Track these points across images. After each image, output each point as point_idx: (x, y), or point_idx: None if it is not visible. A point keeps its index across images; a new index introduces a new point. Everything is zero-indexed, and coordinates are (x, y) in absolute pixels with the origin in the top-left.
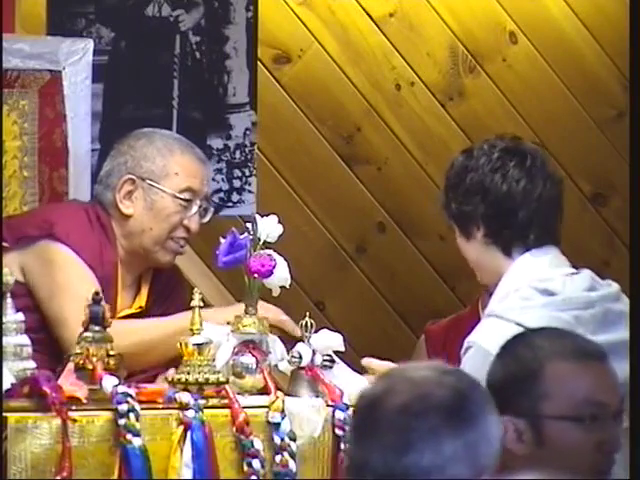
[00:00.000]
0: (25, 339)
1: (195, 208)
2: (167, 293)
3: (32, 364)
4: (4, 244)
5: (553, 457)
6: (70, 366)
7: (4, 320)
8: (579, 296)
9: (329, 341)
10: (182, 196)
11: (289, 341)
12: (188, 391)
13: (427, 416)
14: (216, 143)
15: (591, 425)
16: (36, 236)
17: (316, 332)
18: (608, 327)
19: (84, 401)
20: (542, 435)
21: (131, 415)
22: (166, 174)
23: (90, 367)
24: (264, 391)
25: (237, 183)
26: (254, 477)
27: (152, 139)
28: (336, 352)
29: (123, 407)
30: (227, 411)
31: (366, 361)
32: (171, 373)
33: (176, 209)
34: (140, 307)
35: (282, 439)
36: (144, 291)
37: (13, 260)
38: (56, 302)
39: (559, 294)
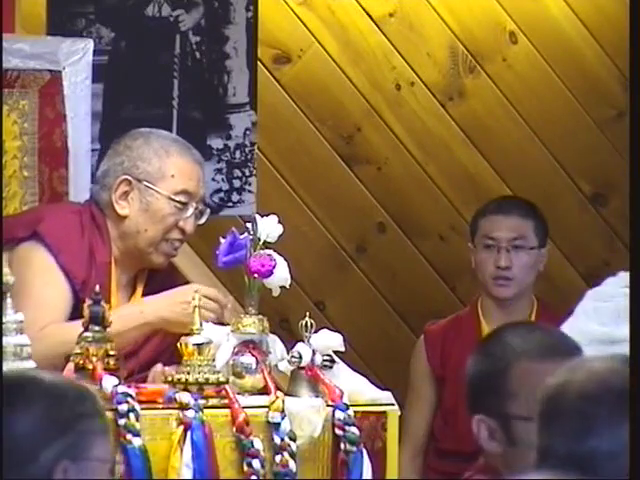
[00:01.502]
0: (25, 339)
1: (191, 210)
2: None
3: (32, 364)
4: None
5: (525, 455)
6: (70, 366)
7: (4, 320)
8: (603, 289)
9: (329, 341)
10: (178, 198)
11: (289, 341)
12: (188, 391)
13: (604, 402)
14: (216, 143)
15: None
16: (21, 237)
17: (316, 332)
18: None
19: None
20: (512, 434)
21: (131, 415)
22: (162, 176)
23: (90, 367)
24: (264, 391)
25: (237, 183)
26: (254, 477)
27: (149, 139)
28: (336, 352)
29: (123, 407)
30: (227, 411)
31: None
32: (159, 368)
33: (171, 211)
34: None
35: (282, 439)
36: (139, 290)
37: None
38: (15, 304)
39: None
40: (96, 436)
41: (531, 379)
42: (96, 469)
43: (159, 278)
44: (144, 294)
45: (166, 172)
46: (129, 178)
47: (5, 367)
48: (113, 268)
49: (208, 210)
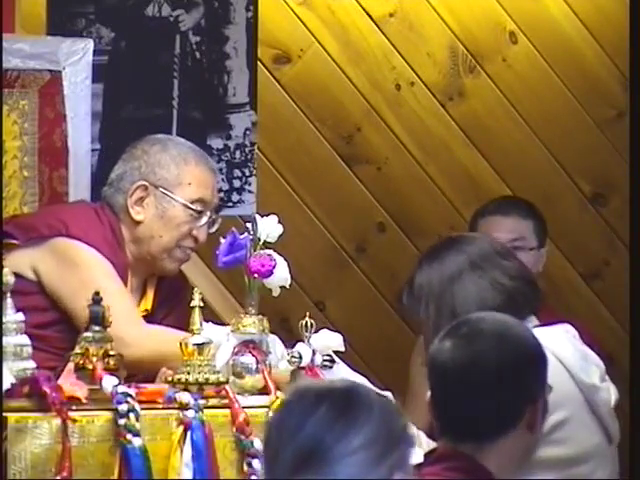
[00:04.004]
0: (25, 339)
1: (205, 219)
2: (171, 297)
3: (32, 364)
4: (15, 242)
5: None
6: (70, 366)
7: (4, 320)
8: None
9: (329, 341)
10: (194, 207)
11: (289, 341)
12: (188, 391)
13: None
14: (216, 143)
15: None
16: (49, 235)
17: (316, 332)
18: None
19: (84, 401)
20: (544, 417)
21: (131, 415)
22: (179, 183)
23: (90, 367)
24: (264, 391)
25: (237, 183)
26: (254, 477)
27: (167, 146)
28: (336, 352)
29: (123, 407)
30: (227, 411)
31: None
32: (165, 371)
33: (186, 219)
34: (146, 310)
35: None
36: (150, 295)
37: (24, 258)
38: (81, 299)
39: None
40: (413, 449)
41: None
42: None
43: (168, 282)
44: (154, 298)
45: (183, 180)
46: (146, 184)
47: (5, 367)
48: (128, 270)
49: (220, 220)
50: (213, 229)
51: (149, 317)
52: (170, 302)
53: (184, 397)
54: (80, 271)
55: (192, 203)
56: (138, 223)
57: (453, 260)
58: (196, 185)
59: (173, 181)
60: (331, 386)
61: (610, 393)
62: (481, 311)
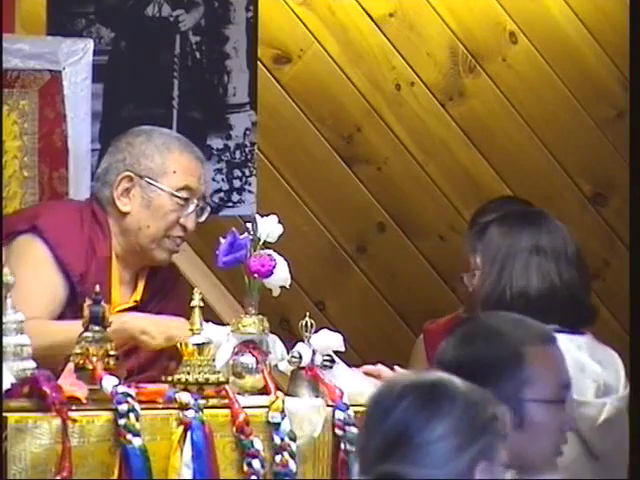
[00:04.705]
0: (25, 339)
1: (192, 207)
2: (164, 290)
3: (32, 364)
4: None
5: (529, 439)
6: (70, 366)
7: (4, 320)
8: None
9: (329, 341)
10: (180, 194)
11: (289, 341)
12: (188, 391)
13: None
14: (216, 143)
15: (562, 406)
16: (20, 231)
17: (316, 332)
18: None
19: (84, 401)
20: (523, 419)
21: (131, 415)
22: (164, 172)
23: (90, 367)
24: (264, 391)
25: (237, 183)
26: (254, 477)
27: (151, 137)
28: (336, 352)
29: (123, 407)
30: (227, 411)
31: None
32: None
33: (173, 207)
34: (135, 301)
35: (282, 439)
36: (140, 286)
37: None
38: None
39: None
40: (502, 439)
41: (543, 363)
42: (500, 473)
43: (160, 275)
44: (145, 290)
45: (168, 168)
46: (131, 174)
47: (5, 367)
48: (115, 264)
49: (209, 208)
50: (202, 218)
51: (139, 308)
52: (163, 297)
53: (184, 397)
54: (18, 268)
55: (178, 191)
56: (125, 215)
57: (529, 237)
58: (181, 173)
59: (158, 170)
60: (418, 378)
61: (601, 411)
62: (523, 292)
